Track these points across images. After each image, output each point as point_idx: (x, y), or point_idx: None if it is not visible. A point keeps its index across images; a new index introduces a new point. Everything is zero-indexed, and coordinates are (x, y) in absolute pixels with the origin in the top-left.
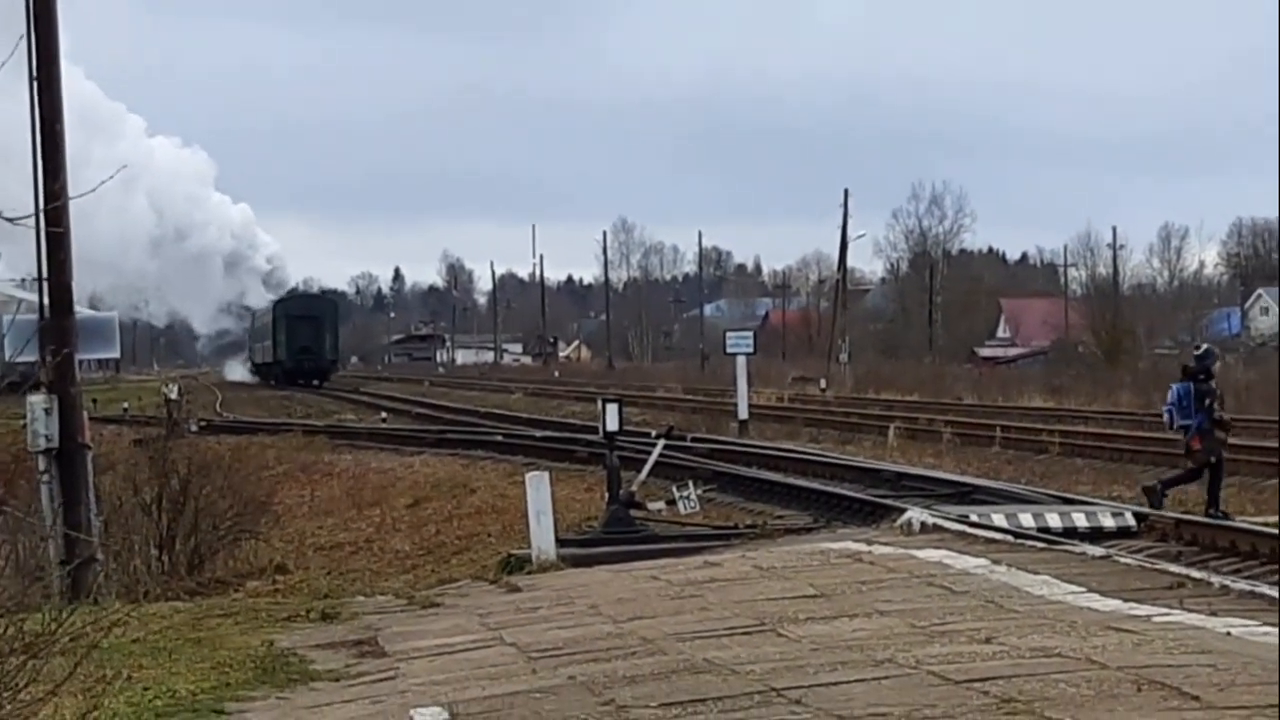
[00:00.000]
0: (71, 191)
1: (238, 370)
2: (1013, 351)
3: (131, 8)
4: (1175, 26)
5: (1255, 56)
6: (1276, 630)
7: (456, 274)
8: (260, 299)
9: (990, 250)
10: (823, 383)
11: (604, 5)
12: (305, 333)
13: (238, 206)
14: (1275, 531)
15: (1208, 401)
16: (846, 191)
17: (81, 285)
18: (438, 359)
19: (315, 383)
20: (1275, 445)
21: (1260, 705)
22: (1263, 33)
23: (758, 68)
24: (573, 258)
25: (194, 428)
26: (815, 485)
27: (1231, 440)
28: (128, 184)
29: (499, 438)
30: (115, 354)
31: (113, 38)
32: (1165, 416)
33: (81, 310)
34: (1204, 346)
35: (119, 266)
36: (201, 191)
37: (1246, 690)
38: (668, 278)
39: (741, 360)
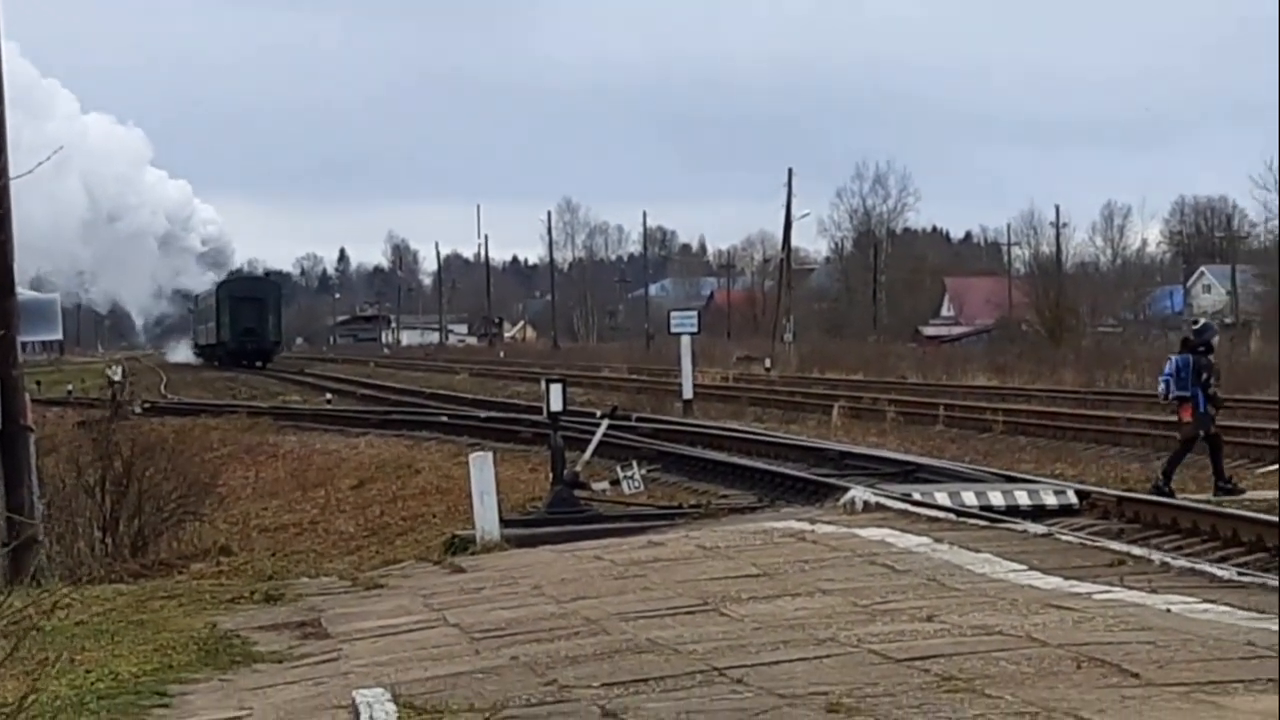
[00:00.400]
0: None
1: (182, 352)
2: (957, 330)
3: None
4: (1119, 5)
5: (1198, 35)
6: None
7: (401, 255)
8: (198, 280)
9: (934, 229)
10: (768, 362)
11: None
12: (248, 314)
13: (176, 183)
14: (1215, 510)
15: (1205, 375)
16: (790, 171)
17: (23, 268)
18: (383, 340)
19: (258, 364)
20: (1218, 424)
21: (1199, 682)
22: (1207, 10)
23: (703, 47)
24: (518, 238)
25: (139, 409)
26: (759, 464)
27: (1173, 418)
28: (60, 165)
29: (444, 418)
30: (57, 336)
31: (50, 14)
32: (1161, 387)
33: (23, 292)
34: (1202, 320)
35: (51, 250)
36: (135, 172)
37: (1185, 667)
38: (613, 258)
39: (686, 340)
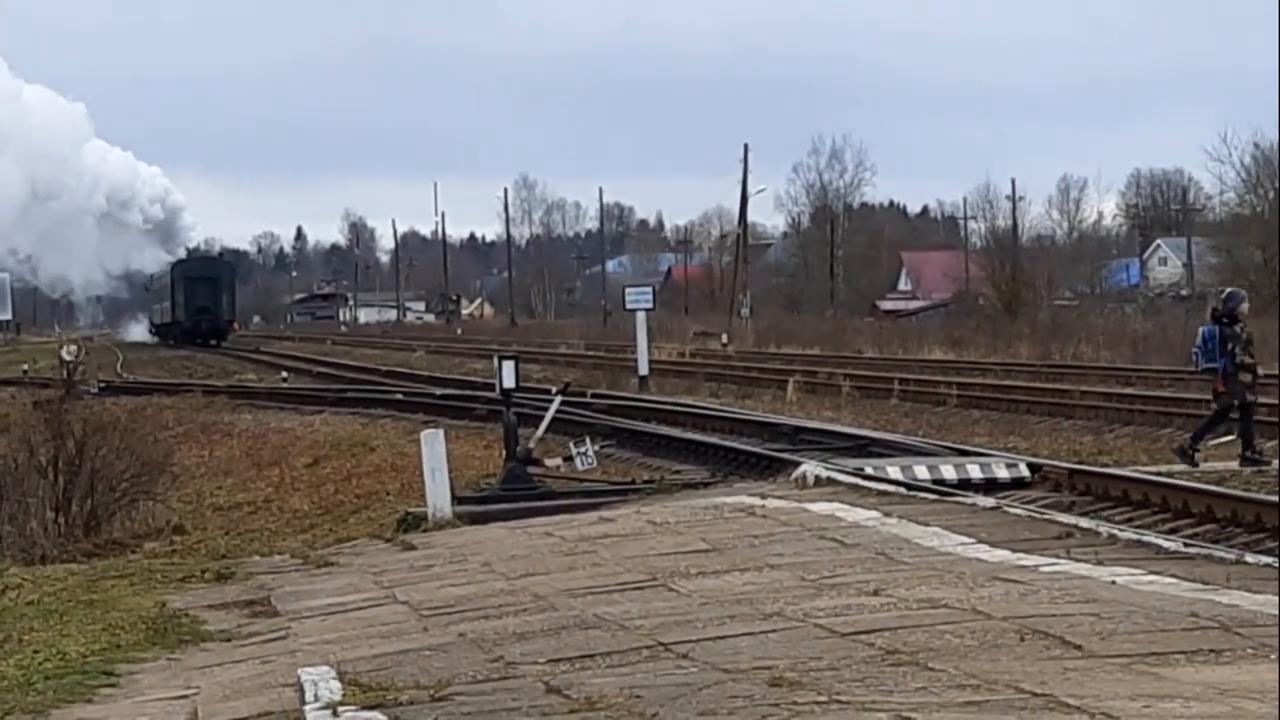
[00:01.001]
0: None
1: (138, 331)
2: (913, 304)
3: None
4: None
5: (1156, 7)
6: (1276, 599)
7: (358, 232)
8: (146, 257)
9: (891, 204)
10: (724, 338)
11: None
12: (203, 294)
13: (117, 153)
14: (1166, 481)
15: (1230, 345)
16: (746, 146)
17: None
18: (340, 318)
19: (213, 342)
20: (1171, 395)
21: (1141, 654)
22: None
23: (657, 21)
24: (475, 215)
25: (94, 389)
26: (713, 440)
27: (1126, 390)
28: None
29: (399, 396)
30: (7, 315)
31: None
32: (1193, 358)
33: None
34: (1228, 289)
35: None
36: (73, 150)
37: (1128, 639)
38: (570, 234)
39: (641, 316)
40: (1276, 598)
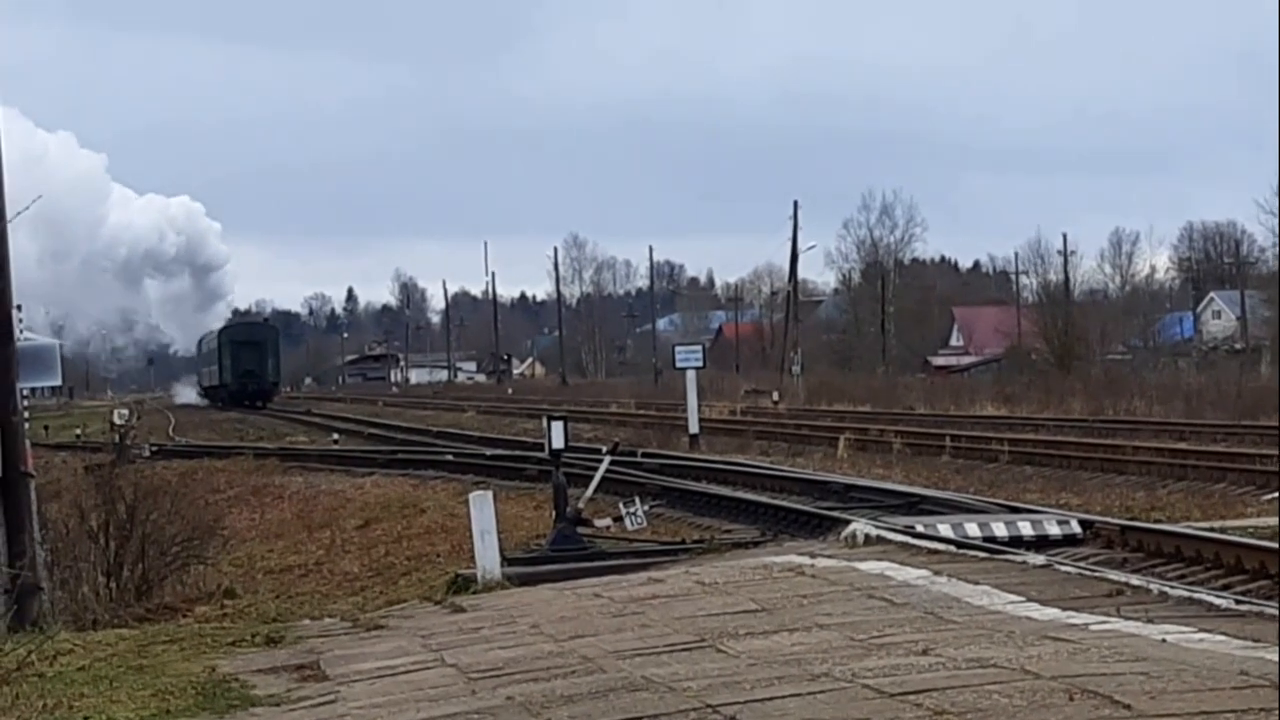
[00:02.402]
0: None
1: (188, 393)
2: (965, 360)
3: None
4: (1122, 31)
5: (1205, 62)
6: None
7: (409, 293)
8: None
9: (942, 259)
10: (775, 395)
11: (549, 20)
12: (248, 357)
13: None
14: (1219, 537)
15: None
16: (796, 203)
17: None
18: (392, 379)
19: (259, 404)
20: (1225, 450)
21: (1191, 713)
22: (1214, 35)
23: (706, 79)
24: (526, 274)
25: (146, 452)
26: (763, 499)
27: (1180, 445)
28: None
29: (449, 457)
30: (56, 382)
31: (55, 65)
32: None
33: (34, 338)
34: None
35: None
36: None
37: (1178, 698)
38: (621, 292)
39: (691, 374)
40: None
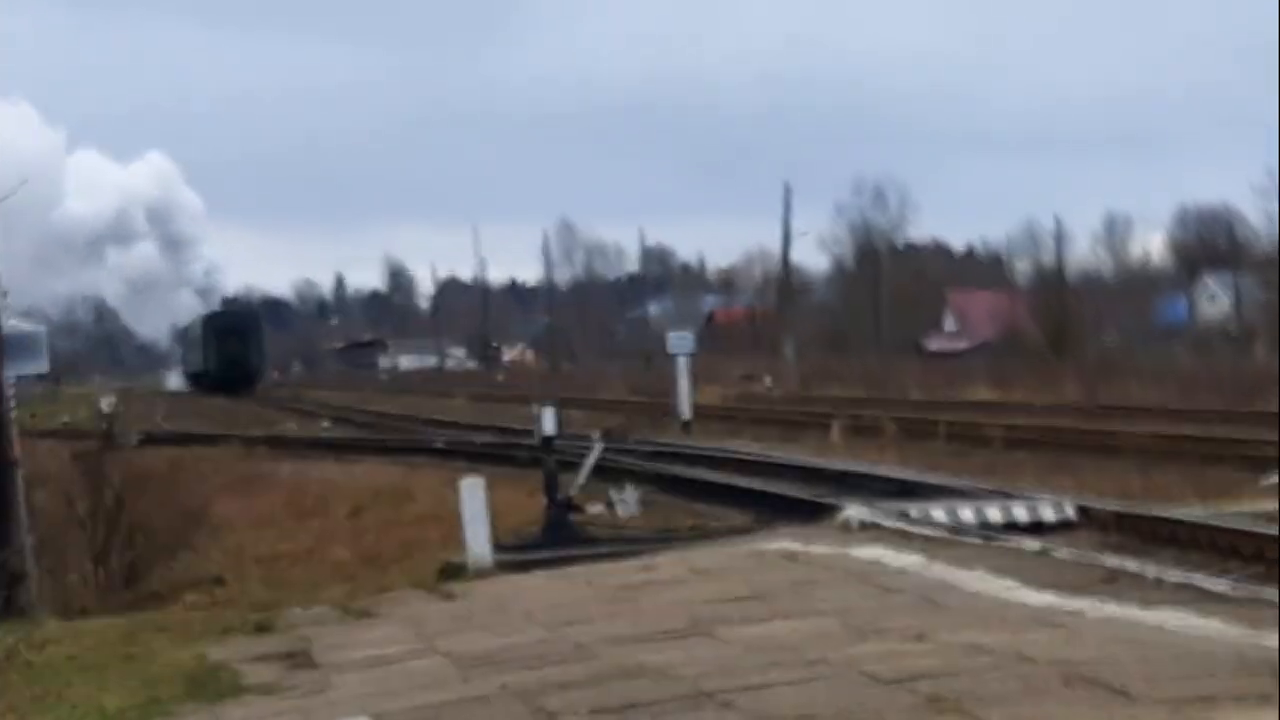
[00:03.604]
0: None
1: (175, 380)
2: (959, 344)
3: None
4: (1112, 12)
5: (1197, 43)
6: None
7: (398, 278)
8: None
9: (935, 243)
10: (768, 380)
11: (536, 2)
12: (232, 345)
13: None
14: (1215, 522)
15: None
16: (788, 186)
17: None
18: (381, 365)
19: (242, 390)
20: (1220, 434)
21: (1187, 698)
22: (1207, 17)
23: (696, 61)
24: (515, 259)
25: (134, 439)
26: (756, 485)
27: (1175, 429)
28: None
29: (440, 444)
30: (44, 369)
31: (41, 45)
32: None
33: (20, 325)
34: None
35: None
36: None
37: (1174, 683)
38: (611, 277)
39: (682, 360)
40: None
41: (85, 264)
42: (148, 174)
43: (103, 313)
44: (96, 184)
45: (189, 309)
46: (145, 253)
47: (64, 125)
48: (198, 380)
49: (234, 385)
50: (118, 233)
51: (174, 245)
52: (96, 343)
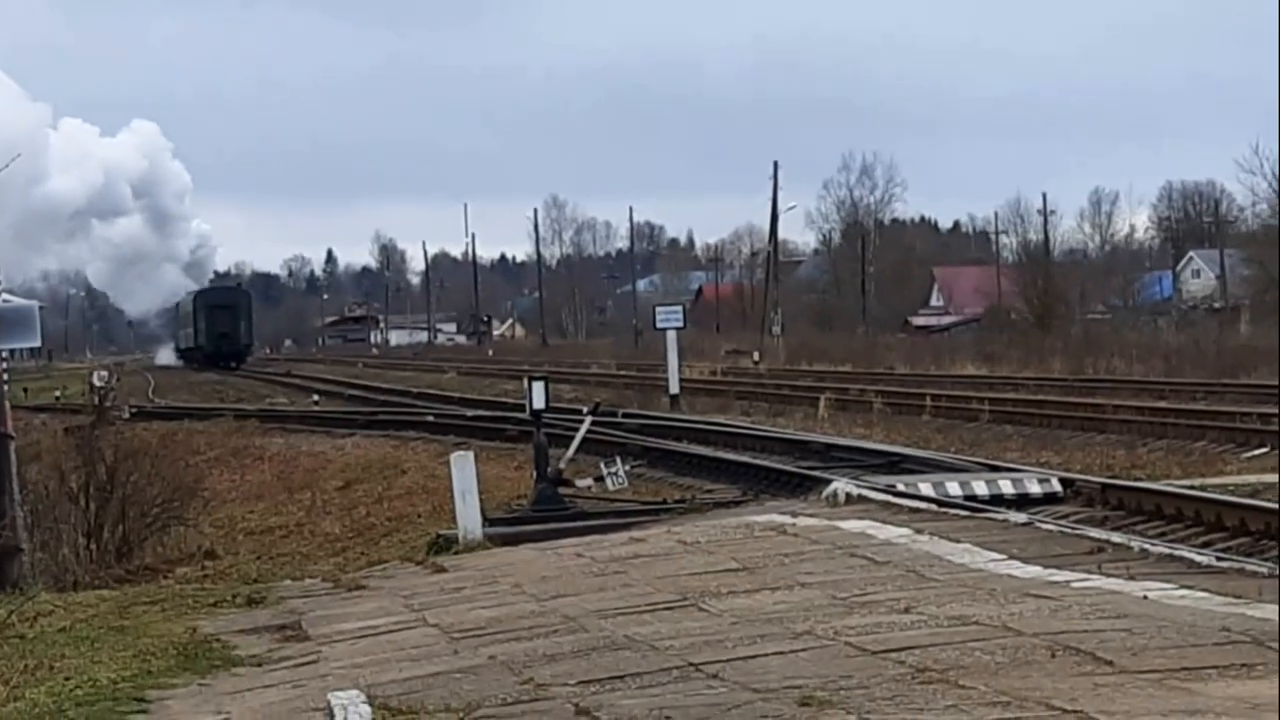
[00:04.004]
0: None
1: (166, 355)
2: (945, 320)
3: None
4: None
5: (1184, 22)
6: (1276, 609)
7: (389, 255)
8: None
9: (922, 219)
10: (756, 355)
11: None
12: (222, 320)
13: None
14: (1199, 495)
15: None
16: (776, 164)
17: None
18: (372, 340)
19: (233, 365)
20: (1204, 408)
21: (1173, 669)
22: None
23: (686, 40)
24: (506, 236)
25: (126, 414)
26: (744, 459)
27: (1159, 404)
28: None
29: (430, 418)
30: (36, 343)
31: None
32: None
33: (13, 299)
34: None
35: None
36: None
37: (1160, 654)
38: (601, 254)
39: (671, 335)
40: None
41: (71, 239)
42: (135, 145)
43: (92, 290)
44: (82, 157)
45: (176, 285)
46: (131, 227)
47: (49, 101)
48: (189, 356)
49: (224, 360)
50: (103, 207)
51: (161, 220)
52: (88, 319)
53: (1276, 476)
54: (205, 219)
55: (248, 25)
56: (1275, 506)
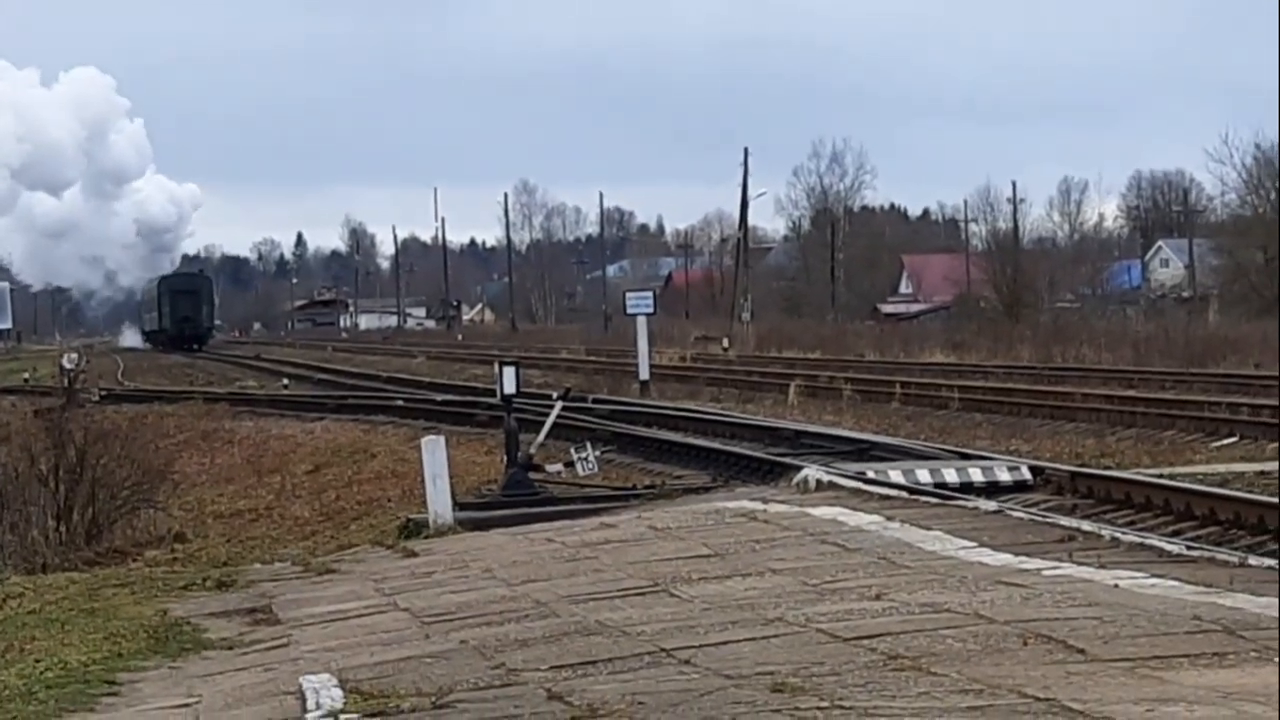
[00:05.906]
0: None
1: (131, 337)
2: (915, 308)
3: None
4: None
5: (1154, 11)
6: (1278, 602)
7: (359, 239)
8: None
9: (892, 207)
10: (725, 342)
11: None
12: (185, 304)
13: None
14: (1168, 483)
15: None
16: (746, 150)
17: None
18: (341, 324)
19: (195, 347)
20: (1173, 397)
21: (1144, 657)
22: None
23: (657, 26)
24: (475, 220)
25: (95, 397)
26: (714, 445)
27: (1128, 392)
28: None
29: (400, 402)
30: (6, 325)
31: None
32: None
33: None
34: None
35: None
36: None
37: (1131, 642)
38: (570, 239)
39: (641, 321)
40: (1278, 600)
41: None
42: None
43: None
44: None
45: (122, 261)
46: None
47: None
48: (153, 338)
49: (187, 343)
50: (47, 180)
51: (104, 194)
52: (56, 301)
53: (1248, 466)
54: (159, 199)
55: (217, 6)
56: (1244, 496)
